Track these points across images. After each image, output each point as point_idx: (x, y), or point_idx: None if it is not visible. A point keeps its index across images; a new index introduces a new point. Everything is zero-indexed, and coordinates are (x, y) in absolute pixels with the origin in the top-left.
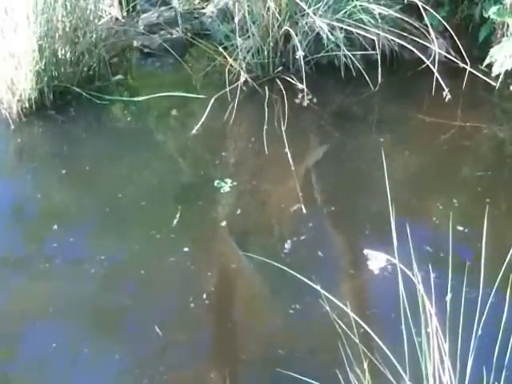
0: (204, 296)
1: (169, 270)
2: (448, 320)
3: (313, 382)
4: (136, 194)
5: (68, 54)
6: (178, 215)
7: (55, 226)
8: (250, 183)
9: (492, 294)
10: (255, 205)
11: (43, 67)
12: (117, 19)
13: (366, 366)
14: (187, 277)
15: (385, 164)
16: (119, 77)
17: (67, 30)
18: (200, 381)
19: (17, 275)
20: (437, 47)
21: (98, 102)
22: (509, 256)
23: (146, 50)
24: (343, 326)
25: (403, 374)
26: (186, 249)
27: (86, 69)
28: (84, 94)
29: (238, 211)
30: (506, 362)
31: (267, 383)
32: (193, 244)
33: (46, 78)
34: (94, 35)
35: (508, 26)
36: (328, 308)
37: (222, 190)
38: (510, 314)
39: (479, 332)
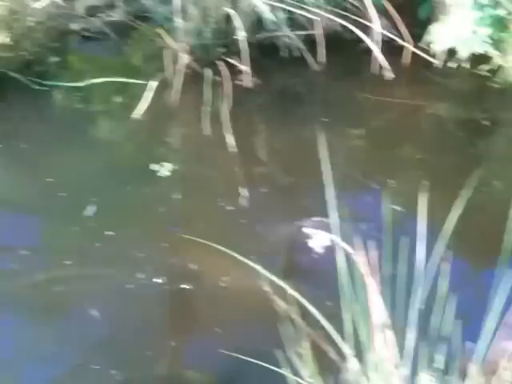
0: (143, 276)
1: (94, 252)
2: (387, 294)
3: (252, 360)
4: (70, 179)
5: (5, 39)
6: (112, 200)
7: None
8: (191, 167)
9: (430, 269)
10: (195, 188)
11: None
12: (55, 2)
13: (306, 343)
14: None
15: (323, 144)
16: (59, 61)
17: (3, 13)
18: (140, 370)
19: None
20: (378, 26)
21: (37, 87)
22: (445, 234)
23: (85, 34)
24: (283, 305)
25: (345, 350)
26: (112, 233)
27: (24, 54)
28: (22, 79)
29: (177, 195)
30: (445, 334)
31: (207, 363)
32: (127, 228)
33: None
34: (32, 19)
35: (447, 3)
36: (268, 287)
37: (162, 174)
38: (447, 288)
39: (419, 305)
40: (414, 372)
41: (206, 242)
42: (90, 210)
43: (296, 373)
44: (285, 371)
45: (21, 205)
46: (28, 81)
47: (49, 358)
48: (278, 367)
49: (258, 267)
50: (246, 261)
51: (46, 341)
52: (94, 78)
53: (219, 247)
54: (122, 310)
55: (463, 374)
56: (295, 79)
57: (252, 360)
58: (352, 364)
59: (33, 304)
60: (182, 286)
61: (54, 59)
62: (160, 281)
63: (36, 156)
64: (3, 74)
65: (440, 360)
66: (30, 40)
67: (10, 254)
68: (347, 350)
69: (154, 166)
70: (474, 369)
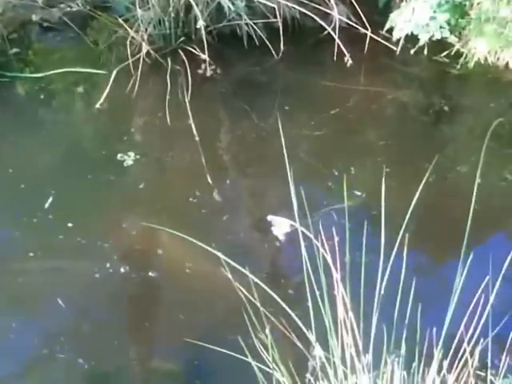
0: (107, 265)
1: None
2: (350, 281)
3: (217, 348)
4: (31, 170)
5: None
6: (72, 190)
7: None
8: (154, 156)
9: (392, 256)
10: (159, 177)
11: None
12: None
13: (268, 331)
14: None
15: (285, 133)
16: (17, 50)
17: None
18: (106, 359)
19: None
20: (337, 14)
21: None
22: (406, 219)
23: (45, 24)
24: (246, 293)
25: (309, 336)
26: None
27: None
28: None
29: (142, 184)
30: (407, 320)
31: (172, 353)
32: (90, 217)
33: None
34: None
35: None
36: (230, 275)
37: (125, 164)
38: (409, 274)
39: (382, 291)
40: (378, 358)
41: (168, 230)
42: (49, 202)
43: (261, 360)
44: (249, 359)
45: None
46: None
47: (14, 348)
48: (243, 355)
49: (220, 254)
50: (208, 248)
51: (11, 331)
52: (55, 68)
53: (182, 235)
54: (87, 300)
55: (427, 359)
56: (256, 68)
57: (217, 348)
58: (316, 351)
59: None
60: (146, 274)
61: (14, 50)
62: (123, 270)
63: None
64: None
65: (404, 345)
66: None
67: None
68: (311, 336)
69: (116, 156)
70: (437, 353)
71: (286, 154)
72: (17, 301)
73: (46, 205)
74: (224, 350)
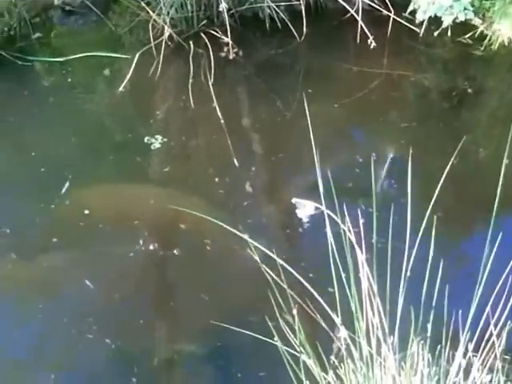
0: (132, 248)
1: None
2: (376, 263)
3: (244, 331)
4: (56, 153)
5: None
6: (108, 172)
7: None
8: (181, 139)
9: (419, 237)
10: (187, 160)
11: None
12: None
13: (295, 312)
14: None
15: (309, 115)
16: (39, 35)
17: None
18: (133, 339)
19: None
20: None
21: (20, 62)
22: (432, 201)
23: (67, 8)
24: (273, 275)
25: (334, 318)
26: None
27: (6, 29)
28: (5, 54)
29: (169, 167)
30: (433, 302)
31: (199, 335)
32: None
33: None
34: None
35: None
36: (257, 257)
37: (152, 147)
38: (436, 256)
39: (408, 274)
40: (404, 340)
41: (195, 212)
42: (66, 187)
43: (287, 343)
44: (275, 341)
45: (3, 181)
46: (11, 56)
47: (42, 328)
48: (268, 337)
49: (246, 236)
50: (234, 231)
51: (39, 312)
52: (77, 52)
53: (208, 217)
54: (113, 282)
55: (453, 342)
56: (278, 50)
57: (242, 330)
58: (342, 332)
59: (24, 279)
60: (171, 256)
61: (36, 34)
62: (149, 252)
63: (20, 130)
64: None
65: (430, 328)
66: (11, 15)
67: None
68: (336, 319)
69: (143, 139)
70: (463, 336)
71: (312, 137)
72: (44, 284)
73: (64, 190)
74: (249, 332)
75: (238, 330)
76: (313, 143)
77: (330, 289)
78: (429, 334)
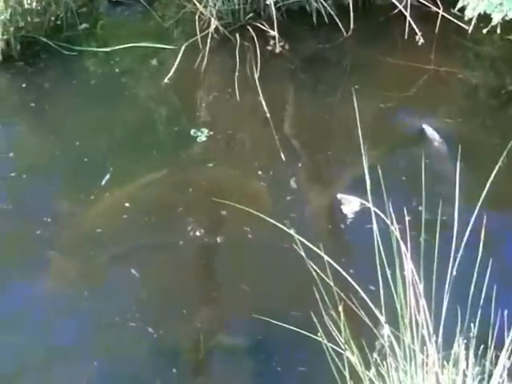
0: (181, 243)
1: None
2: (423, 261)
3: (288, 326)
4: (108, 145)
5: (34, 4)
6: (155, 167)
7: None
8: (227, 132)
9: (466, 236)
10: (233, 153)
11: (9, 17)
12: None
13: (340, 308)
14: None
15: (357, 110)
16: (86, 26)
17: None
18: (174, 329)
19: None
20: None
21: (67, 52)
22: (481, 199)
23: None
24: (318, 270)
25: (379, 316)
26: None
27: (53, 19)
28: (52, 44)
29: (216, 160)
30: (480, 302)
31: (242, 329)
32: (170, 194)
33: (12, 29)
34: None
35: None
36: (303, 253)
37: (198, 140)
38: (484, 255)
39: (454, 273)
40: (448, 339)
41: (240, 206)
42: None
43: (330, 339)
44: (319, 337)
45: (46, 170)
46: (57, 46)
47: (86, 316)
48: (311, 332)
49: (291, 231)
50: (279, 225)
51: (84, 300)
52: (123, 43)
53: (253, 211)
54: (156, 272)
55: (498, 343)
56: (325, 45)
57: (284, 324)
58: (386, 330)
59: (68, 269)
60: (214, 250)
61: (82, 24)
62: (193, 245)
63: (66, 120)
64: (34, 39)
65: (475, 328)
66: (59, 5)
67: (36, 221)
68: (381, 315)
69: (190, 131)
70: (509, 338)
71: (360, 133)
72: (89, 273)
73: (104, 182)
74: (291, 327)
75: (279, 323)
76: (360, 138)
77: (374, 285)
78: (474, 334)
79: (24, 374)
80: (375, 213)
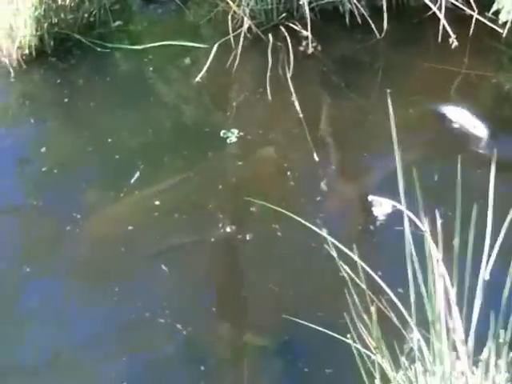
0: (212, 240)
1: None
2: (455, 265)
3: (318, 328)
4: (139, 143)
5: (68, 1)
6: (184, 166)
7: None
8: (257, 133)
9: (500, 239)
10: (264, 154)
11: (43, 13)
12: None
13: (373, 310)
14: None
15: (390, 115)
16: (120, 23)
17: None
18: (203, 327)
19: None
20: None
21: (99, 49)
22: None
23: None
24: (349, 272)
25: (409, 319)
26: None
27: (86, 15)
28: (85, 41)
29: (247, 161)
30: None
31: (273, 330)
32: (199, 196)
33: (45, 25)
34: None
35: None
36: (334, 253)
37: (228, 141)
38: None
39: (486, 278)
40: (479, 344)
41: (271, 205)
42: (136, 176)
43: (359, 341)
44: (348, 338)
45: (77, 166)
46: (90, 43)
47: (116, 311)
48: (340, 334)
49: (323, 232)
50: (311, 226)
51: (115, 295)
52: (156, 41)
53: (285, 211)
54: (187, 268)
55: None
56: (358, 46)
57: (312, 325)
58: (415, 333)
59: (99, 263)
60: (245, 248)
61: (115, 21)
62: (223, 244)
63: (98, 117)
64: (67, 36)
65: (506, 334)
66: (92, 2)
67: (65, 217)
68: (412, 319)
69: (219, 132)
70: None
71: (394, 135)
72: (121, 268)
73: (133, 180)
74: (320, 328)
75: (307, 324)
76: (394, 140)
77: (404, 288)
78: (505, 341)
79: (55, 367)
80: (408, 215)
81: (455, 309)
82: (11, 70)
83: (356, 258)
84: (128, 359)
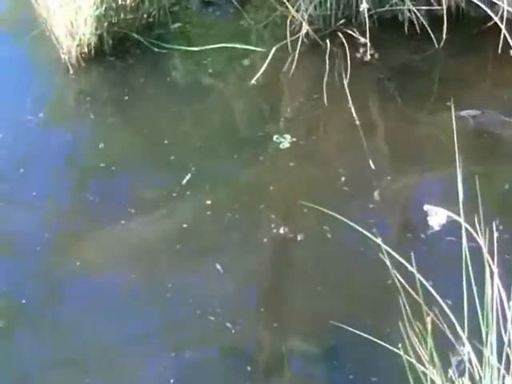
0: (265, 240)
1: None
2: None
3: (371, 338)
4: (193, 144)
5: (128, 1)
6: (236, 170)
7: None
8: (311, 139)
9: None
10: (317, 159)
11: (103, 12)
12: None
13: (429, 320)
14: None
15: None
16: (178, 25)
17: None
18: (251, 327)
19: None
20: (505, 3)
21: (157, 50)
22: None
23: None
24: (403, 282)
25: (461, 333)
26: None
27: (145, 16)
28: (143, 41)
29: (299, 165)
30: None
31: (317, 334)
32: (251, 198)
33: (105, 24)
34: None
35: None
36: (388, 262)
37: (281, 146)
38: None
39: None
40: None
41: (325, 210)
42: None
43: (408, 351)
44: (397, 348)
45: (134, 164)
46: (148, 43)
47: (168, 307)
48: (388, 343)
49: (378, 240)
50: (366, 233)
51: (168, 291)
52: (213, 43)
53: (340, 217)
54: (242, 267)
55: None
56: (416, 55)
57: (359, 332)
58: (469, 347)
59: (153, 261)
60: (297, 251)
61: (174, 23)
62: (273, 248)
63: (156, 116)
64: (125, 35)
65: None
66: (152, 2)
67: (121, 211)
68: (465, 332)
69: (272, 137)
70: None
71: (456, 146)
72: (175, 267)
73: (184, 181)
74: (367, 335)
75: (354, 331)
76: (456, 150)
77: (456, 300)
78: None
79: (103, 362)
80: (464, 226)
81: (510, 323)
82: (70, 68)
83: (411, 267)
84: (176, 356)
